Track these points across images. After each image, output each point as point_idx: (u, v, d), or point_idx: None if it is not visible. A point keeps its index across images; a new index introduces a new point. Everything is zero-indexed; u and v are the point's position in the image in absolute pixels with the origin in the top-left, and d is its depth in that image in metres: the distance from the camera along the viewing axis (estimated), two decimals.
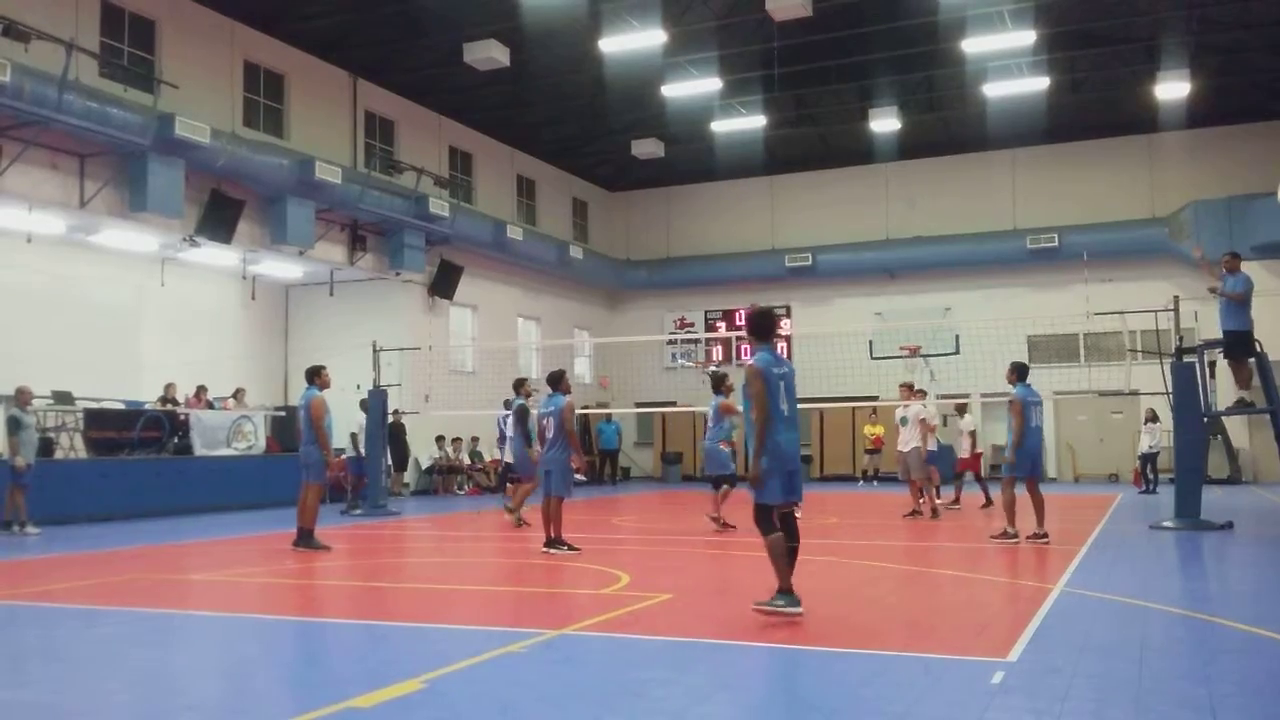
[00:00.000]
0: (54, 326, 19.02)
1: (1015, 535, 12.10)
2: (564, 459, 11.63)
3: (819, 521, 15.40)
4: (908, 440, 16.15)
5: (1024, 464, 12.16)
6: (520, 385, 15.33)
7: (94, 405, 18.28)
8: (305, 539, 12.09)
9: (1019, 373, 12.39)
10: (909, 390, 16.87)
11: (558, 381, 11.96)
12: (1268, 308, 18.16)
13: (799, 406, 7.61)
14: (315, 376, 12.55)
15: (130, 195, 17.97)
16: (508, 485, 19.65)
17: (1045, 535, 12.10)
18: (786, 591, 7.05)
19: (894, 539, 13.91)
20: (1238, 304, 13.54)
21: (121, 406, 18.92)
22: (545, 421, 11.67)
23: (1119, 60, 24.68)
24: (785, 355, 32.09)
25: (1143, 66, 24.22)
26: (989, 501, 17.35)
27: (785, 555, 7.09)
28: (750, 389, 7.18)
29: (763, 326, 7.60)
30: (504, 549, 13.43)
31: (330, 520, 17.07)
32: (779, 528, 7.12)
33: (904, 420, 16.36)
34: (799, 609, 6.98)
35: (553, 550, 11.46)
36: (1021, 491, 12.27)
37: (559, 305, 30.76)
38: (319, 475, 12.32)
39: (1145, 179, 28.14)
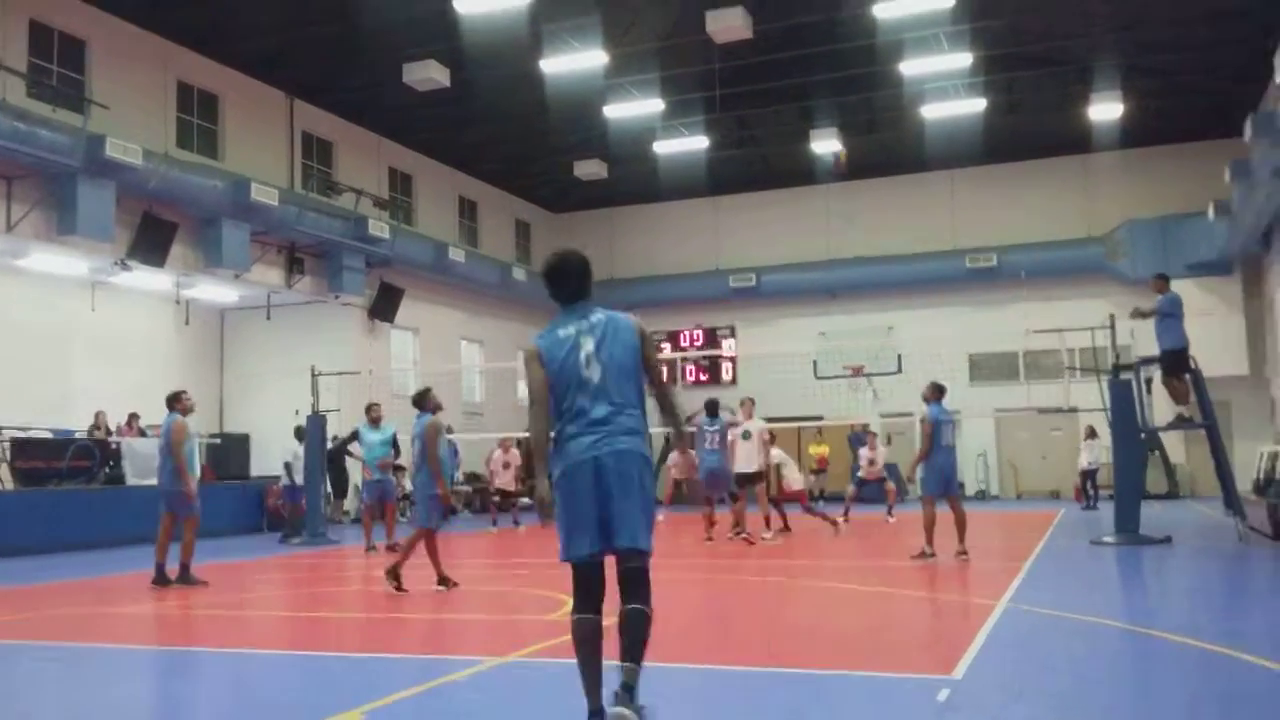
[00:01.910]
0: None
1: (932, 554, 12.08)
2: (432, 485, 10.50)
3: (763, 543, 15.33)
4: (750, 458, 15.32)
5: (934, 482, 12.22)
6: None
7: (21, 434, 17.77)
8: (183, 575, 11.47)
9: (936, 392, 12.45)
10: (751, 405, 16.02)
11: (421, 400, 10.98)
12: (1202, 326, 18.54)
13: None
14: (175, 401, 11.77)
15: (59, 218, 17.51)
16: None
17: (964, 552, 12.08)
18: (592, 714, 4.51)
19: (838, 559, 13.90)
20: (1171, 322, 13.79)
21: (50, 435, 18.41)
22: (415, 445, 10.76)
23: (1054, 82, 25.13)
24: (730, 375, 31.87)
25: (1077, 88, 24.68)
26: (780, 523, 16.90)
27: (586, 652, 4.56)
28: (528, 379, 4.84)
29: (552, 279, 5.10)
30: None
31: (268, 549, 16.74)
32: (581, 603, 4.64)
33: (746, 434, 15.42)
34: None
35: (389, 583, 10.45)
36: (944, 509, 12.32)
37: (502, 327, 30.53)
38: (185, 508, 11.52)
39: (1081, 199, 28.65)
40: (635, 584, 4.59)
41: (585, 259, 5.01)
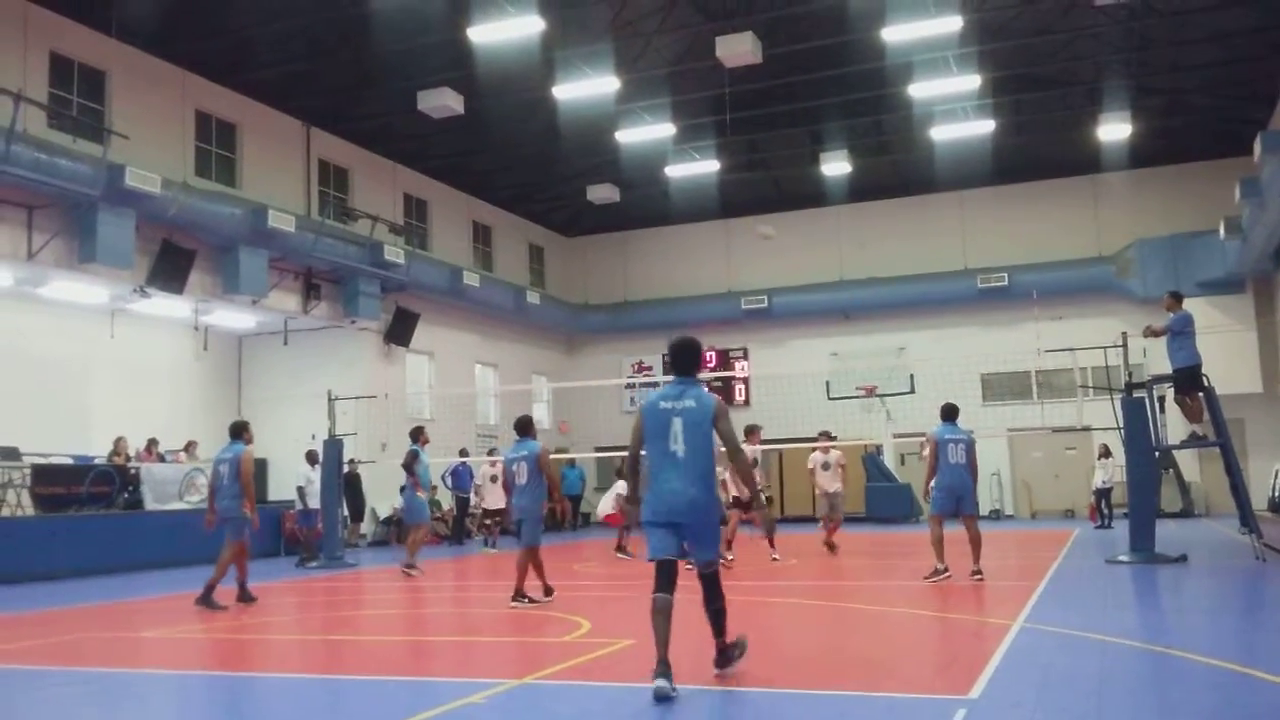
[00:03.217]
0: (0, 381, 18.65)
1: (945, 570, 12.08)
2: (537, 507, 11.20)
3: (780, 563, 15.38)
4: (832, 482, 17.33)
5: (942, 500, 12.26)
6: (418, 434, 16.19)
7: (42, 461, 17.91)
8: (204, 596, 11.54)
9: (943, 413, 12.60)
10: (829, 438, 17.71)
11: (527, 427, 11.65)
12: (1215, 344, 18.55)
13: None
14: (244, 431, 12.17)
15: (80, 246, 17.74)
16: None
17: (979, 572, 12.00)
18: (659, 663, 6.11)
19: (853, 579, 13.93)
20: (1183, 340, 13.81)
21: (70, 461, 18.55)
22: (516, 468, 11.27)
23: (1062, 103, 25.24)
24: (743, 396, 32.02)
25: (1085, 109, 24.80)
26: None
27: (658, 622, 6.31)
28: (634, 423, 6.73)
29: (672, 357, 6.80)
30: (461, 599, 13.29)
31: (286, 573, 16.83)
32: (659, 586, 6.43)
33: (827, 465, 17.33)
34: (657, 682, 5.98)
35: (518, 604, 10.96)
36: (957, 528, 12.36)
37: (517, 351, 30.67)
38: (238, 533, 11.80)
39: (1090, 218, 28.68)
40: (709, 586, 6.61)
41: (699, 345, 6.84)
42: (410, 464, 15.96)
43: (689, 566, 6.65)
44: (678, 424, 6.44)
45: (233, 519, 11.79)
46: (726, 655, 6.65)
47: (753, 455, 15.96)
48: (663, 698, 5.91)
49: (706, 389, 6.67)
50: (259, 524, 12.15)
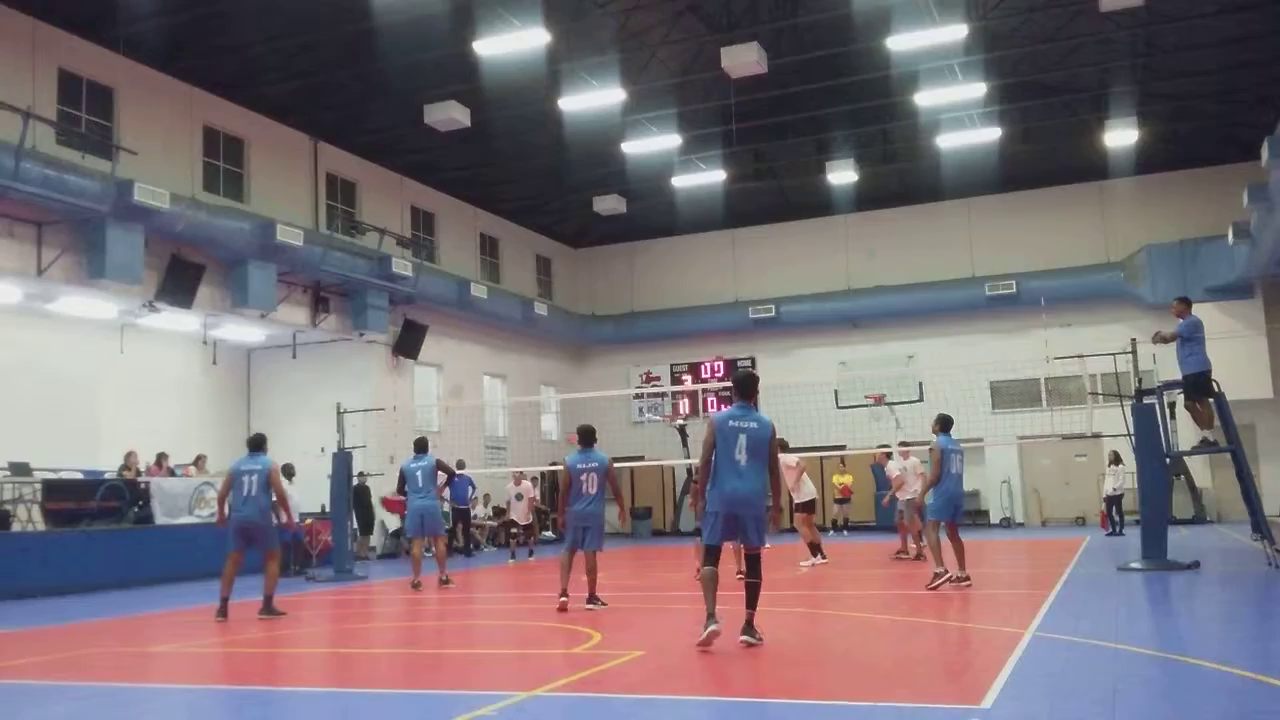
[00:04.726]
0: (11, 397, 18.70)
1: (946, 572, 12.30)
2: (604, 514, 11.77)
3: (789, 574, 15.35)
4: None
5: (944, 508, 12.53)
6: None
7: (52, 476, 17.95)
8: (266, 606, 11.92)
9: (943, 424, 12.74)
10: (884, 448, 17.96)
11: (592, 437, 11.95)
12: (1224, 349, 18.49)
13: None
14: (265, 443, 12.37)
15: (89, 262, 17.81)
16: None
17: (967, 578, 12.34)
18: (708, 616, 8.10)
19: (864, 588, 13.89)
20: (1193, 346, 13.78)
21: (80, 476, 18.59)
22: (585, 478, 11.61)
23: (1068, 110, 25.24)
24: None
25: (1091, 115, 24.78)
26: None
27: (708, 587, 8.25)
28: (706, 433, 8.52)
29: (737, 386, 8.81)
30: (469, 611, 13.28)
31: (295, 586, 16.83)
32: (706, 561, 8.38)
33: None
34: (709, 628, 8.01)
35: (593, 606, 11.45)
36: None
37: (525, 362, 30.71)
38: (272, 541, 12.14)
39: (1099, 225, 28.64)
40: (752, 564, 8.33)
41: (758, 377, 9.12)
42: (451, 478, 16.28)
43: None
44: (742, 439, 8.31)
45: (266, 528, 11.95)
46: (751, 626, 8.14)
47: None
48: (713, 634, 7.98)
49: (764, 413, 8.64)
50: (293, 524, 12.70)
